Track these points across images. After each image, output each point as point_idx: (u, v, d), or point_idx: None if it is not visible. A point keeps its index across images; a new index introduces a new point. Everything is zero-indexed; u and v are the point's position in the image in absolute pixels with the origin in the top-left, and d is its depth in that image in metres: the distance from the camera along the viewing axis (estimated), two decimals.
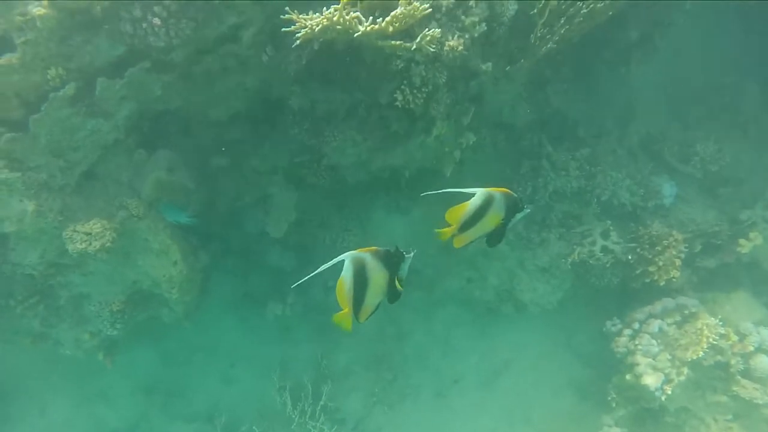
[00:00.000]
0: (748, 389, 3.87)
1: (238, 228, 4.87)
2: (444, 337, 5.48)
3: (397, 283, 1.99)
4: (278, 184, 4.75)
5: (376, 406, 5.27)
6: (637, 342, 4.02)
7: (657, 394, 3.89)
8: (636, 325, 4.14)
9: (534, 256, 4.71)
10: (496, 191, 2.12)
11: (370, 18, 2.71)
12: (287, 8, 2.82)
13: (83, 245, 2.90)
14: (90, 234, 2.90)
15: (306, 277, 1.92)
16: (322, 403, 4.97)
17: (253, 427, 4.88)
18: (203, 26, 2.95)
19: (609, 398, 4.40)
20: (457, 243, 2.20)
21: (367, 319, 2.05)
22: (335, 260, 1.86)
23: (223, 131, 4.38)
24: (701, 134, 4.87)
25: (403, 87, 3.15)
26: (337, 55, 3.58)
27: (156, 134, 3.85)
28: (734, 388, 3.95)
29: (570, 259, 4.35)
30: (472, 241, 2.23)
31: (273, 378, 5.14)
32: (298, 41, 2.84)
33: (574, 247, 4.45)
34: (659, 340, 4.04)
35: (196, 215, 3.59)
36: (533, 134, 4.65)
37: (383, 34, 2.80)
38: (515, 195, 2.17)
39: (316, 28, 2.64)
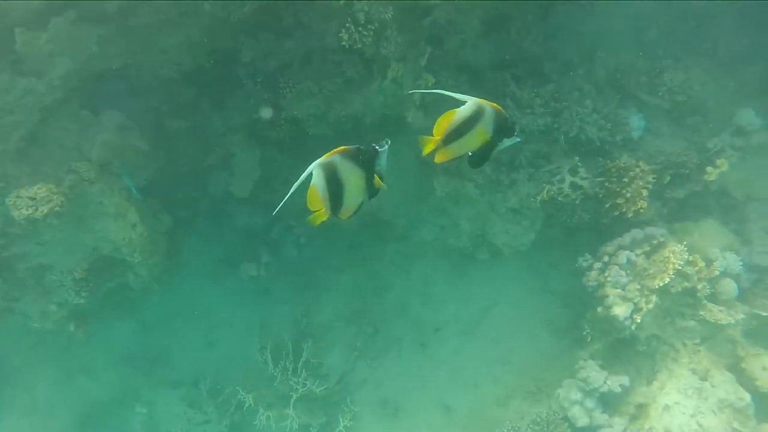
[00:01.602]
0: (713, 312, 3.93)
1: (204, 190, 4.80)
2: (422, 287, 5.50)
3: (377, 178, 1.89)
4: (240, 143, 4.65)
5: (359, 359, 5.33)
6: (606, 274, 4.05)
7: (626, 323, 3.94)
8: (606, 258, 4.16)
9: (504, 199, 4.67)
10: (488, 105, 1.93)
11: None
12: None
13: (29, 211, 2.81)
14: (35, 199, 2.81)
15: (280, 204, 1.78)
16: (303, 359, 5.01)
17: (237, 388, 4.92)
18: None
19: (584, 333, 4.46)
20: (439, 157, 2.00)
21: (350, 217, 1.96)
22: (304, 175, 1.75)
23: (176, 91, 4.25)
24: (668, 63, 4.77)
25: (347, 25, 3.02)
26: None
27: (103, 95, 3.72)
28: (701, 312, 4.01)
29: (539, 198, 4.32)
30: (453, 158, 2.03)
31: (254, 339, 5.17)
32: None
33: (543, 185, 4.41)
34: (628, 271, 4.06)
35: (142, 192, 3.46)
36: (497, 73, 4.53)
37: None
38: (507, 115, 1.98)
39: None
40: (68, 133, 3.35)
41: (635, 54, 4.92)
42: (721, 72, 4.79)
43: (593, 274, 4.14)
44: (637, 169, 4.21)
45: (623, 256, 4.01)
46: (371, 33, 3.11)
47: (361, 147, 1.83)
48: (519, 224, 4.73)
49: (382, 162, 1.88)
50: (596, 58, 4.87)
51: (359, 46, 3.18)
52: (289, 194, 1.73)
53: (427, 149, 1.98)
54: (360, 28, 3.05)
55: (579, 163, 4.47)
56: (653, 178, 4.35)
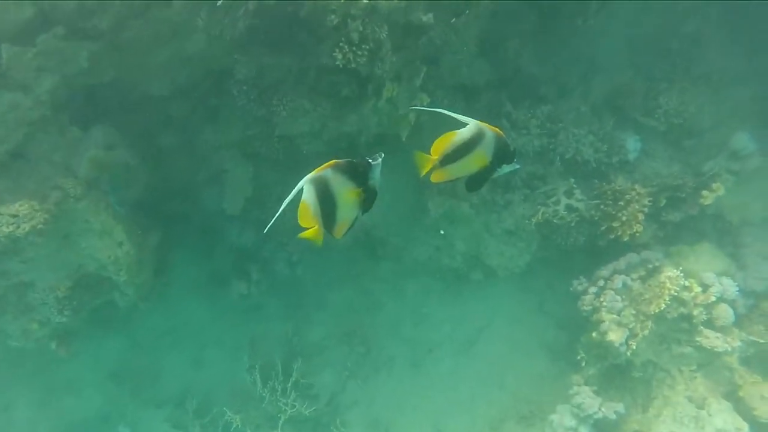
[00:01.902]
0: (710, 338, 3.87)
1: (196, 206, 4.72)
2: (416, 306, 5.42)
3: (370, 192, 1.81)
4: (233, 158, 4.59)
5: (350, 380, 5.23)
6: (602, 299, 3.99)
7: (622, 349, 3.87)
8: (601, 283, 4.10)
9: (500, 219, 4.63)
10: (489, 128, 1.89)
11: None
12: None
13: (10, 228, 2.74)
14: (17, 216, 2.73)
15: (271, 222, 1.72)
16: (293, 379, 4.90)
17: (225, 409, 4.80)
18: None
19: (579, 357, 4.38)
20: (435, 177, 1.94)
21: (345, 234, 1.88)
22: (295, 190, 1.69)
23: (168, 106, 4.20)
24: (664, 86, 4.76)
25: (341, 44, 2.99)
26: (278, 16, 3.40)
27: (92, 111, 3.66)
28: (697, 339, 3.94)
29: (534, 220, 4.27)
30: (451, 180, 1.98)
31: (243, 358, 5.07)
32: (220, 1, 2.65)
33: (538, 207, 4.37)
34: (624, 296, 4.01)
35: (131, 208, 3.39)
36: (492, 93, 4.51)
37: None
38: (507, 140, 1.93)
39: None
40: (56, 148, 3.29)
41: (631, 76, 4.92)
42: (716, 95, 4.78)
43: (588, 298, 4.08)
44: (633, 192, 4.17)
45: (619, 281, 3.95)
46: (366, 53, 3.07)
47: (354, 160, 1.77)
48: (514, 246, 4.68)
49: (376, 175, 1.81)
50: (593, 80, 4.87)
51: (354, 65, 3.14)
52: (279, 211, 1.67)
53: (424, 168, 1.93)
54: (354, 48, 3.01)
55: (575, 185, 4.43)
56: (649, 201, 4.31)
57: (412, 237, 5.09)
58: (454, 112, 1.94)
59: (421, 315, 5.38)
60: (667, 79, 4.79)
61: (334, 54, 3.02)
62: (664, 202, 4.52)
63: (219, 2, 2.69)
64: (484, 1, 3.09)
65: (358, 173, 1.77)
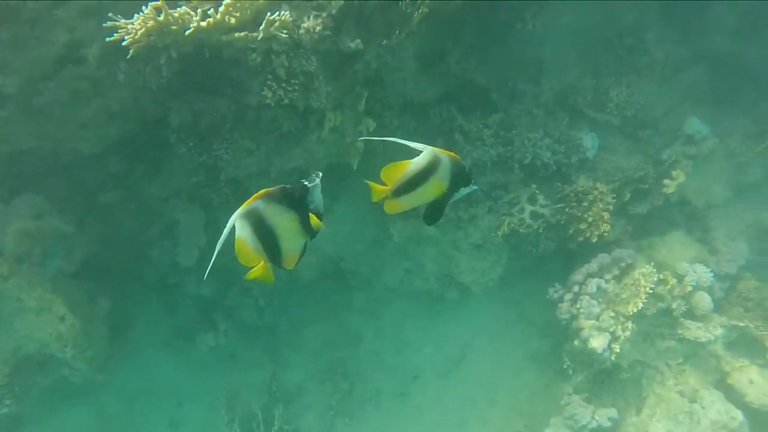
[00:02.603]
0: (692, 329, 3.78)
1: (150, 261, 4.49)
2: (395, 334, 5.25)
3: (313, 217, 1.68)
4: (182, 208, 4.38)
5: (337, 418, 5.02)
6: (578, 306, 3.87)
7: (605, 355, 3.75)
8: (576, 288, 3.99)
9: (466, 235, 4.50)
10: (445, 154, 1.81)
11: (199, 12, 2.37)
12: (111, 14, 2.45)
13: None
14: None
15: (208, 267, 1.62)
16: (276, 428, 4.67)
17: None
18: (17, 47, 2.55)
19: (565, 366, 4.25)
20: (389, 208, 1.85)
21: (296, 264, 1.76)
22: (226, 229, 1.55)
23: (104, 163, 3.98)
24: (613, 80, 4.73)
25: (269, 83, 2.83)
26: (203, 59, 3.23)
27: (17, 180, 3.42)
28: (680, 331, 3.85)
29: (500, 232, 4.15)
30: (406, 210, 1.89)
31: (221, 412, 4.81)
32: (131, 51, 2.47)
33: (503, 217, 4.25)
34: (600, 299, 3.90)
35: (64, 275, 3.16)
36: (442, 108, 4.41)
37: (225, 28, 2.47)
38: (464, 164, 1.86)
39: (139, 32, 2.28)
40: None
41: (579, 73, 4.88)
42: (664, 83, 4.77)
43: (565, 306, 3.96)
44: (596, 192, 4.09)
45: (593, 285, 3.84)
46: (297, 87, 2.93)
47: (287, 186, 1.64)
48: (485, 259, 4.55)
49: (316, 198, 1.68)
50: (541, 81, 4.81)
51: (286, 102, 2.98)
52: (214, 255, 1.55)
53: (376, 197, 1.83)
54: (284, 84, 2.86)
55: (537, 191, 4.34)
56: (613, 198, 4.24)
57: (380, 263, 4.93)
58: (405, 135, 1.84)
59: (402, 341, 5.21)
60: (614, 73, 4.76)
61: (263, 93, 2.86)
62: (628, 195, 4.46)
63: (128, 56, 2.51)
64: (414, 18, 2.97)
65: (294, 199, 1.64)
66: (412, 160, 1.79)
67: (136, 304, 4.57)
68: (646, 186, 4.51)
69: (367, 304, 5.22)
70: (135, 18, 2.36)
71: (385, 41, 3.05)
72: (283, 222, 1.63)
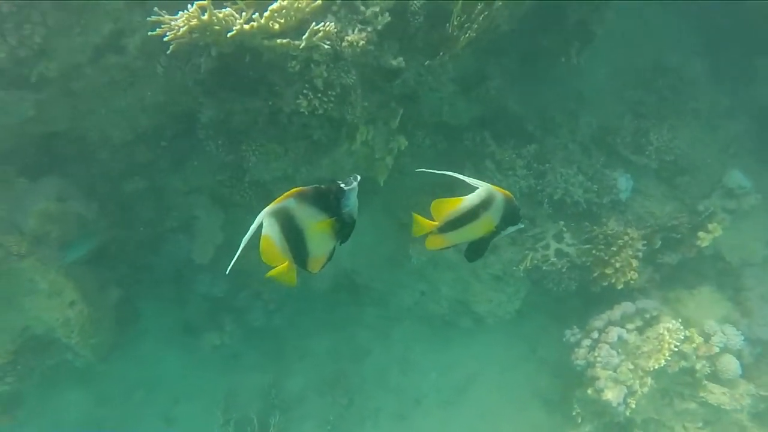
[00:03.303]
0: (716, 394, 3.58)
1: (163, 255, 4.46)
2: (402, 354, 5.13)
3: (345, 220, 1.58)
4: (203, 205, 4.36)
5: None
6: (596, 354, 3.70)
7: (620, 409, 3.57)
8: (595, 334, 3.82)
9: (486, 264, 4.37)
10: (500, 192, 1.76)
11: (243, 14, 2.33)
12: (156, 8, 2.43)
13: None
14: None
15: (231, 263, 1.51)
16: None
17: None
18: (62, 34, 2.54)
19: (574, 413, 4.07)
20: (431, 244, 1.79)
21: (322, 268, 1.66)
22: (254, 226, 1.47)
23: (132, 152, 3.98)
24: (654, 122, 4.58)
25: (305, 91, 2.78)
26: (243, 60, 3.20)
27: (47, 160, 3.43)
28: (702, 394, 3.65)
29: (522, 266, 4.02)
30: (448, 247, 1.82)
31: (217, 413, 4.73)
32: (171, 47, 2.45)
33: (527, 252, 4.12)
34: (620, 350, 3.72)
35: (80, 261, 3.13)
36: (476, 132, 4.31)
37: (267, 32, 2.43)
38: (516, 203, 1.82)
39: (182, 29, 2.25)
40: None
41: (620, 112, 4.74)
42: (707, 130, 4.60)
43: (582, 351, 3.80)
44: (626, 237, 3.94)
45: (614, 334, 3.68)
46: (332, 99, 2.87)
47: (322, 187, 1.54)
48: (503, 292, 4.42)
49: (351, 202, 1.57)
50: (580, 117, 4.68)
51: (321, 112, 2.93)
52: (239, 251, 1.46)
53: (419, 232, 1.76)
54: (320, 95, 2.80)
55: (564, 228, 4.20)
56: (643, 245, 4.08)
57: (396, 282, 4.83)
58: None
59: (409, 363, 5.09)
60: (656, 115, 4.62)
61: (297, 101, 2.81)
62: (659, 243, 4.29)
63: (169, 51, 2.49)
64: (461, 42, 2.90)
65: (328, 201, 1.54)
66: (465, 196, 1.74)
67: (146, 297, 4.54)
68: (679, 236, 4.33)
69: (377, 320, 5.11)
70: (179, 15, 2.33)
71: (428, 62, 2.97)
72: (314, 224, 1.54)
